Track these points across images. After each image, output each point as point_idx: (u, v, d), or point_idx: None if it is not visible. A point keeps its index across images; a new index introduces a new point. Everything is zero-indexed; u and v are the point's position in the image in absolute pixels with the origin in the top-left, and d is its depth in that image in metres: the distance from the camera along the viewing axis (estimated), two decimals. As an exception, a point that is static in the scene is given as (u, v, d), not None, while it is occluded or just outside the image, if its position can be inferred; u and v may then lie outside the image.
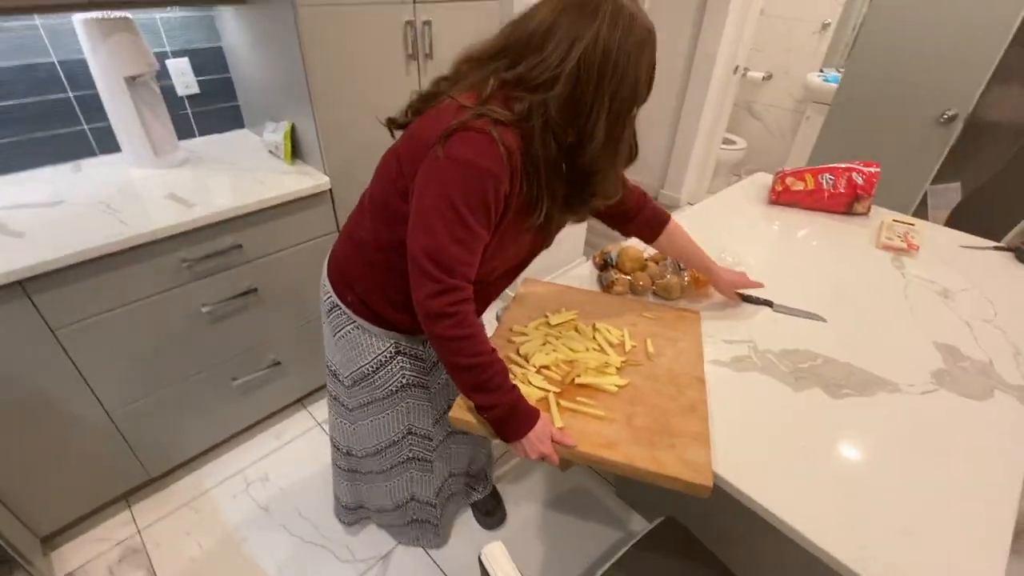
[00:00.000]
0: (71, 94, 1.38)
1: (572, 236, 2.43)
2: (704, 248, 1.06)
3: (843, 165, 1.49)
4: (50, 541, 1.36)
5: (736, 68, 2.95)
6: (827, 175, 1.50)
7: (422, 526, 1.31)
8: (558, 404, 0.82)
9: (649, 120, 3.26)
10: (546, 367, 0.90)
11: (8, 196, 1.24)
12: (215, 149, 1.57)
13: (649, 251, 1.20)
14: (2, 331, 1.02)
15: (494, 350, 0.77)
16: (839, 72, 2.88)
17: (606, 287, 1.14)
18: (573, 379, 0.87)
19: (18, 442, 1.14)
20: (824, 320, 1.06)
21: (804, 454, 0.77)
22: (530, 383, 0.86)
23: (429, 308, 0.72)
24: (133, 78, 1.31)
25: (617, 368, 0.90)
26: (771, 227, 1.46)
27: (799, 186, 1.52)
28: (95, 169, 1.41)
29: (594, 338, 0.97)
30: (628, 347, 0.95)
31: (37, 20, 1.27)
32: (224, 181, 1.36)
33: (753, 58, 3.23)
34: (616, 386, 0.86)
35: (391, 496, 1.21)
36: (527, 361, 0.91)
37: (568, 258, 2.50)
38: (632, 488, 1.51)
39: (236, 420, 1.58)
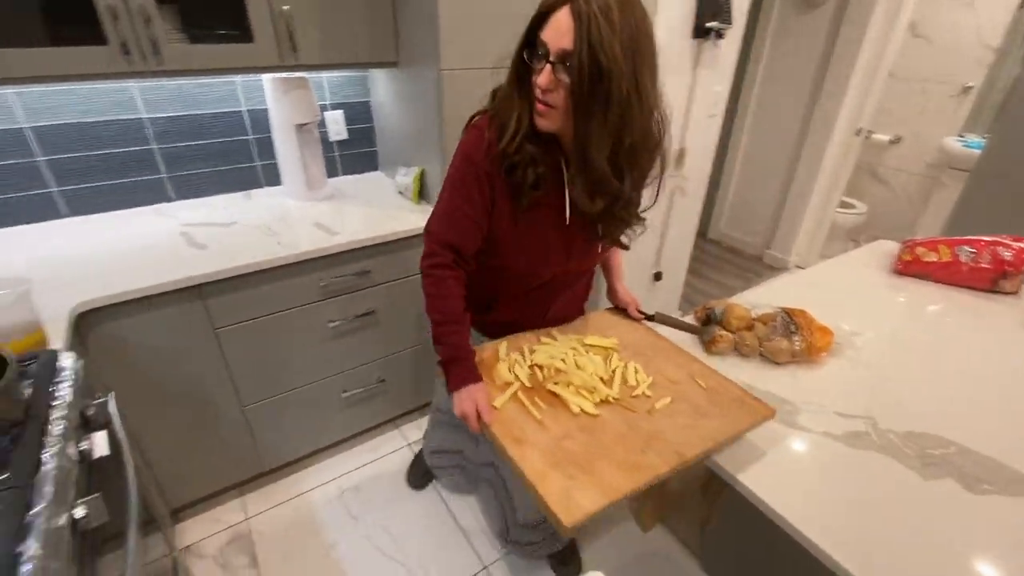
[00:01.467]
0: (251, 136, 1.68)
1: (666, 286, 2.41)
2: (818, 314, 1.01)
3: (987, 238, 1.36)
4: (176, 514, 1.55)
5: (859, 130, 2.82)
6: (966, 247, 1.37)
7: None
8: (514, 393, 0.87)
9: (758, 175, 3.19)
10: (539, 366, 0.93)
11: (198, 215, 1.52)
12: (354, 187, 1.79)
13: (758, 310, 1.18)
14: (178, 324, 1.23)
15: (461, 316, 0.90)
16: (983, 138, 2.64)
17: (708, 344, 1.13)
18: (546, 383, 0.89)
19: (170, 420, 1.34)
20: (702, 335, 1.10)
21: (933, 548, 0.70)
22: (511, 370, 0.92)
23: (421, 267, 0.90)
24: (301, 126, 1.56)
25: (601, 400, 0.86)
26: (896, 299, 1.36)
27: (931, 257, 1.41)
28: (261, 198, 1.68)
29: (612, 370, 0.93)
30: (637, 392, 0.89)
31: (237, 79, 1.58)
32: (361, 214, 1.55)
33: (880, 120, 3.07)
34: (580, 408, 0.84)
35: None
36: (529, 354, 0.96)
37: (664, 307, 2.47)
38: (721, 564, 1.41)
39: (339, 429, 1.72)
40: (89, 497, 0.70)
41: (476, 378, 0.86)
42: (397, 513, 1.58)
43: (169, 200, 1.62)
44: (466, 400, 0.84)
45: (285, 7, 1.29)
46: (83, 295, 1.09)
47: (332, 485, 1.67)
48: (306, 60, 1.38)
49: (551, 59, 0.72)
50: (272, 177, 1.75)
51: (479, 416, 0.82)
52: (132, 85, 1.44)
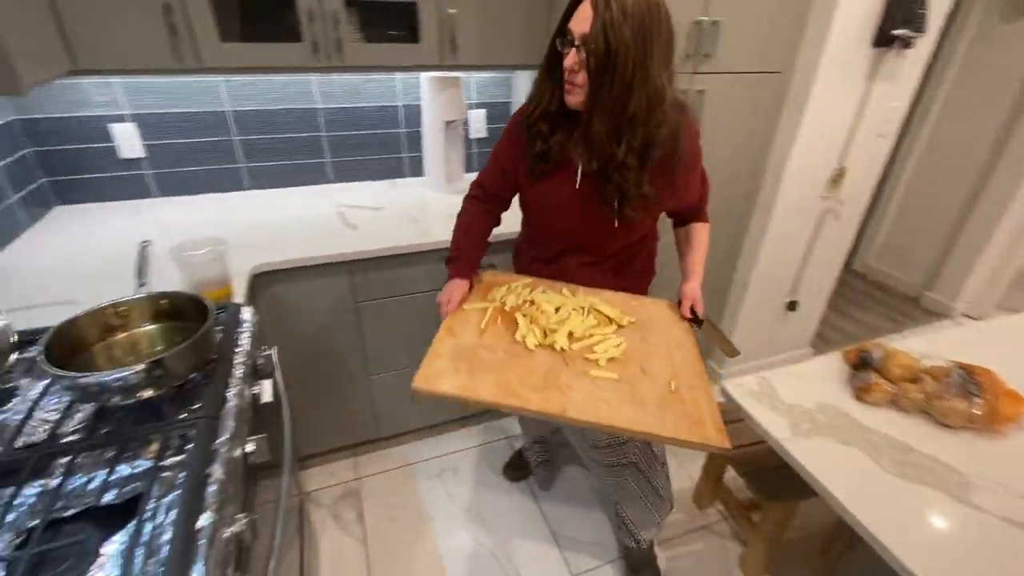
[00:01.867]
0: (402, 130, 1.81)
1: (799, 318, 2.19)
2: (1006, 377, 0.85)
3: None
4: (300, 462, 1.74)
5: (1074, 162, 2.33)
6: None
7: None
8: (486, 308, 1.02)
9: (925, 205, 2.78)
10: (532, 302, 1.03)
11: (351, 198, 1.68)
12: (487, 182, 1.86)
13: (927, 361, 1.02)
14: (327, 293, 1.38)
15: (474, 230, 1.13)
16: None
17: (859, 391, 1.01)
18: (518, 311, 1.00)
19: (308, 377, 1.50)
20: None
21: None
22: (503, 296, 1.05)
23: None
24: (449, 122, 1.65)
25: (548, 343, 0.93)
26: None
27: None
28: (404, 187, 1.81)
29: (589, 334, 0.96)
30: (592, 357, 0.92)
31: (399, 76, 1.72)
32: (492, 210, 1.61)
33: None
34: (522, 337, 0.94)
35: None
36: (531, 292, 1.07)
37: (794, 341, 2.25)
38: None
39: (449, 411, 1.81)
40: (257, 436, 0.80)
41: (463, 276, 1.07)
42: (490, 502, 1.62)
43: (329, 182, 1.81)
44: (445, 291, 1.05)
45: (452, 11, 1.37)
46: (259, 258, 1.26)
47: (435, 463, 1.76)
48: (464, 60, 1.46)
49: (576, 43, 0.85)
50: (415, 169, 1.88)
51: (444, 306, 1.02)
52: (313, 79, 1.63)
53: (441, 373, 0.85)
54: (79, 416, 0.75)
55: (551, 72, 0.94)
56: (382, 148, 1.82)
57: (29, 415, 0.74)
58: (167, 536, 0.58)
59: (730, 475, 1.43)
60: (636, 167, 0.92)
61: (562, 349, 0.93)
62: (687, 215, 1.15)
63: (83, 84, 1.42)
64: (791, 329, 2.18)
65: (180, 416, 0.76)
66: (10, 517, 0.61)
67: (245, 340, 0.94)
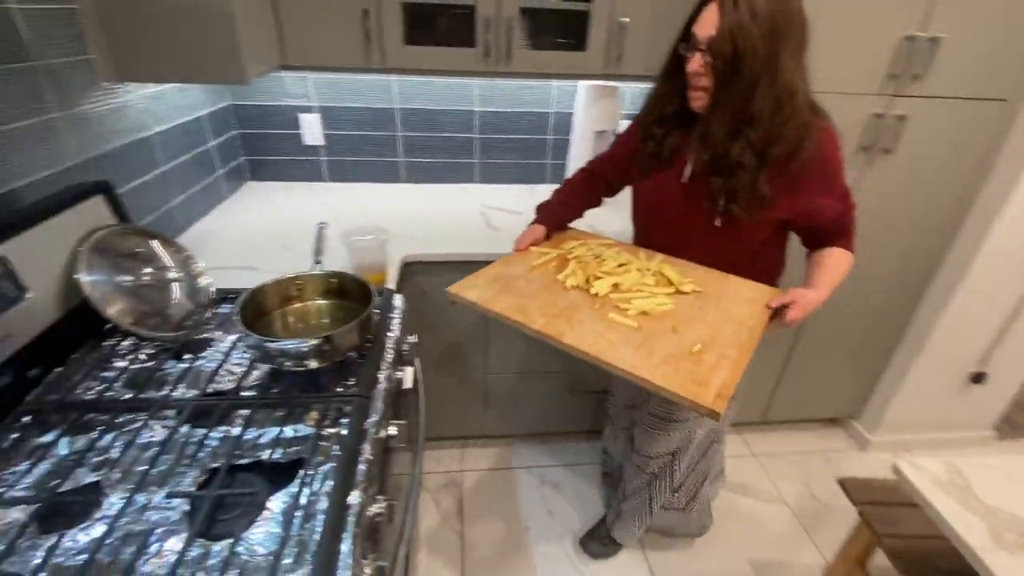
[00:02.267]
0: (549, 136, 1.82)
1: (985, 395, 1.82)
2: None
3: None
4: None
5: None
6: None
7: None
8: (548, 253, 1.09)
9: None
10: (597, 257, 1.07)
11: (494, 199, 1.72)
12: (624, 194, 1.80)
13: None
14: (463, 291, 1.42)
15: (570, 189, 1.24)
16: None
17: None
18: (574, 257, 1.08)
19: (433, 365, 1.56)
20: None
21: None
22: (573, 248, 1.10)
23: None
24: (600, 132, 1.62)
25: (589, 289, 0.97)
26: None
27: None
28: (543, 194, 1.79)
29: (636, 289, 0.97)
30: (625, 308, 0.92)
31: (554, 83, 1.72)
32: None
33: None
34: (565, 279, 0.99)
35: None
36: (605, 250, 1.10)
37: (974, 421, 1.88)
38: None
39: (557, 422, 1.78)
40: (399, 421, 0.83)
41: (542, 221, 1.16)
42: (587, 523, 1.56)
43: (474, 182, 1.87)
44: (527, 230, 1.15)
45: (624, 19, 1.34)
46: (410, 249, 1.33)
47: (536, 472, 1.74)
48: (627, 70, 1.42)
49: (701, 47, 0.85)
50: (556, 176, 1.88)
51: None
52: (475, 83, 1.69)
53: (474, 287, 0.97)
54: (256, 374, 0.84)
55: (671, 76, 0.95)
56: (527, 153, 1.84)
57: (220, 366, 0.84)
58: (322, 505, 0.62)
59: (877, 563, 1.23)
60: (753, 166, 0.89)
61: (596, 294, 0.95)
62: (821, 235, 1.02)
63: (283, 77, 1.62)
64: (972, 406, 1.82)
65: (337, 390, 0.81)
66: (200, 455, 0.69)
67: (396, 326, 0.99)
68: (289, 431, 0.73)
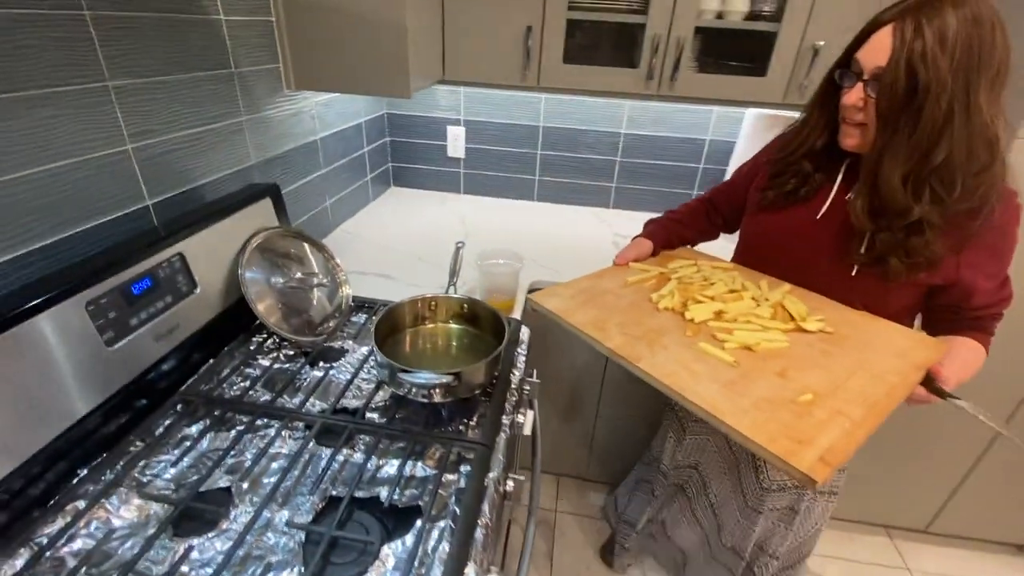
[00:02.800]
0: (700, 165, 1.66)
1: None
2: None
3: None
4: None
5: None
6: None
7: None
8: (649, 272, 0.96)
9: None
10: (707, 280, 0.93)
11: (626, 228, 1.58)
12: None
13: None
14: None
15: (682, 213, 1.11)
16: None
17: None
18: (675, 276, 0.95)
19: (545, 398, 1.48)
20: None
21: None
22: (678, 268, 0.97)
23: None
24: (764, 167, 1.43)
25: (684, 314, 0.83)
26: None
27: None
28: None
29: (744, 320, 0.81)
30: (724, 340, 0.76)
31: (716, 109, 1.56)
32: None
33: None
34: (659, 299, 0.87)
35: None
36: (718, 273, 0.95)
37: None
38: None
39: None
40: (517, 477, 0.76)
41: (648, 236, 1.06)
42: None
43: (607, 207, 1.77)
44: (631, 244, 1.04)
45: (820, 43, 1.16)
46: (536, 274, 1.27)
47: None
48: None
49: (864, 77, 0.72)
50: (702, 208, 1.71)
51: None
52: (626, 104, 1.60)
53: (557, 296, 0.88)
54: (381, 394, 0.82)
55: (823, 105, 0.82)
56: (672, 181, 1.70)
57: (351, 381, 0.83)
58: (436, 574, 0.56)
59: None
60: (939, 224, 0.73)
61: (691, 320, 0.80)
62: (957, 320, 0.82)
63: (437, 90, 1.65)
64: None
65: (459, 428, 0.76)
66: (324, 479, 0.67)
67: (521, 363, 0.93)
68: (408, 468, 0.69)
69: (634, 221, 1.67)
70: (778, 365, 0.72)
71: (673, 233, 1.07)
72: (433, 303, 0.94)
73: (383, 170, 1.76)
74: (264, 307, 0.87)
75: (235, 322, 0.89)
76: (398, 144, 1.77)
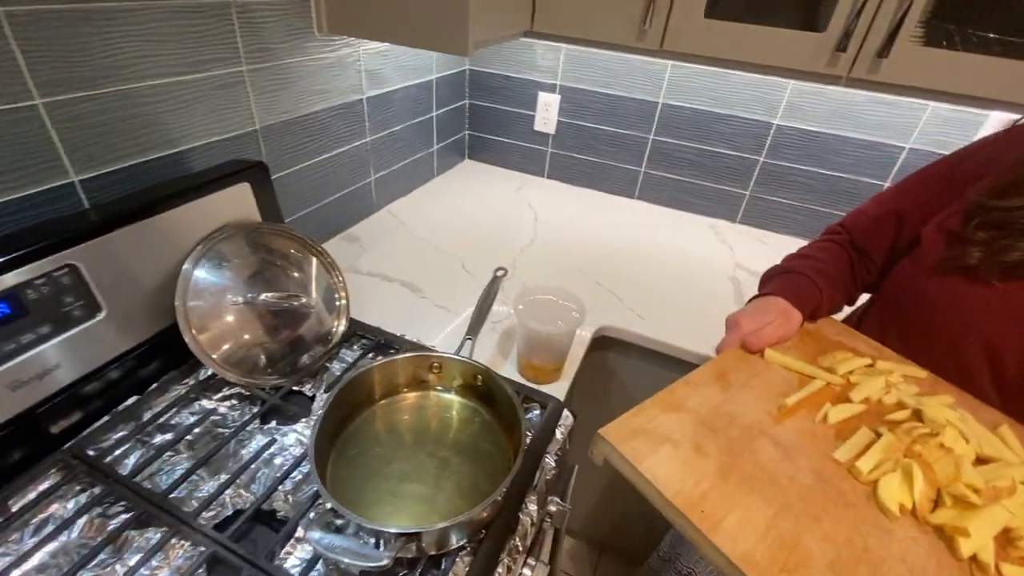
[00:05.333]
0: (888, 183, 1.15)
1: None
2: None
3: None
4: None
5: None
6: None
7: None
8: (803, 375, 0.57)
9: None
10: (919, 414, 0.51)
11: (753, 253, 1.17)
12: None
13: None
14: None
15: (821, 259, 0.70)
16: None
17: None
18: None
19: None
20: None
21: None
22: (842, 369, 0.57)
23: None
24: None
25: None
26: None
27: None
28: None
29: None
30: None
31: (933, 105, 1.04)
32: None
33: None
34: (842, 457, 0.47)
35: None
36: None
37: None
38: None
39: None
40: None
41: (796, 301, 0.63)
42: None
43: (730, 220, 1.33)
44: (756, 308, 0.63)
45: None
46: (609, 318, 0.92)
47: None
48: None
49: None
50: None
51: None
52: (790, 84, 1.13)
53: (654, 435, 0.48)
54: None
55: None
56: (833, 199, 1.21)
57: (296, 465, 0.58)
58: None
59: None
60: None
61: (975, 560, 0.40)
62: None
63: (535, 46, 1.30)
64: None
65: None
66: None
67: (546, 475, 0.61)
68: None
69: (766, 247, 1.24)
70: None
71: (825, 291, 0.66)
72: (436, 364, 0.65)
73: (457, 139, 1.47)
74: (208, 336, 0.64)
75: (172, 351, 0.67)
76: (479, 109, 1.46)
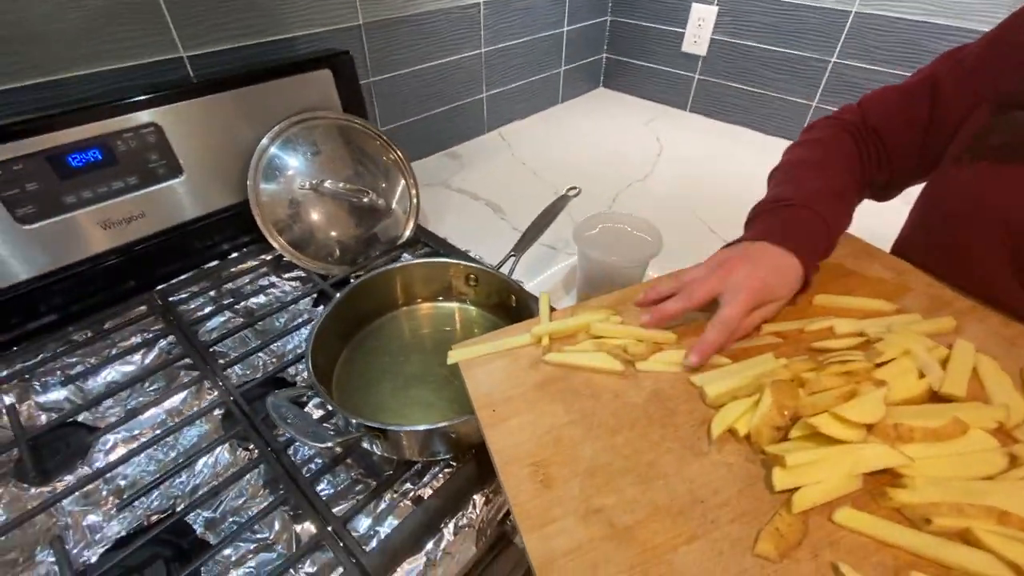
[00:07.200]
0: None
1: None
2: None
3: None
4: None
5: None
6: None
7: None
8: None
9: None
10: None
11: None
12: None
13: None
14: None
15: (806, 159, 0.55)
16: None
17: None
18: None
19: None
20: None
21: None
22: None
23: None
24: None
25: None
26: None
27: None
28: None
29: None
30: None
31: None
32: None
33: None
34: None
35: None
36: None
37: None
38: None
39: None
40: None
41: (800, 250, 0.44)
42: None
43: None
44: (722, 264, 0.45)
45: None
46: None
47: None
48: None
49: None
50: None
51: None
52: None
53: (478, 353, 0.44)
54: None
55: None
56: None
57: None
58: None
59: None
60: None
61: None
62: None
63: (695, -57, 1.09)
64: None
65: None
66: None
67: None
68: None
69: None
70: None
71: (827, 213, 0.48)
72: (472, 276, 0.60)
73: (592, 62, 1.33)
74: (274, 215, 0.68)
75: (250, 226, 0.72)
76: (621, 27, 1.29)
